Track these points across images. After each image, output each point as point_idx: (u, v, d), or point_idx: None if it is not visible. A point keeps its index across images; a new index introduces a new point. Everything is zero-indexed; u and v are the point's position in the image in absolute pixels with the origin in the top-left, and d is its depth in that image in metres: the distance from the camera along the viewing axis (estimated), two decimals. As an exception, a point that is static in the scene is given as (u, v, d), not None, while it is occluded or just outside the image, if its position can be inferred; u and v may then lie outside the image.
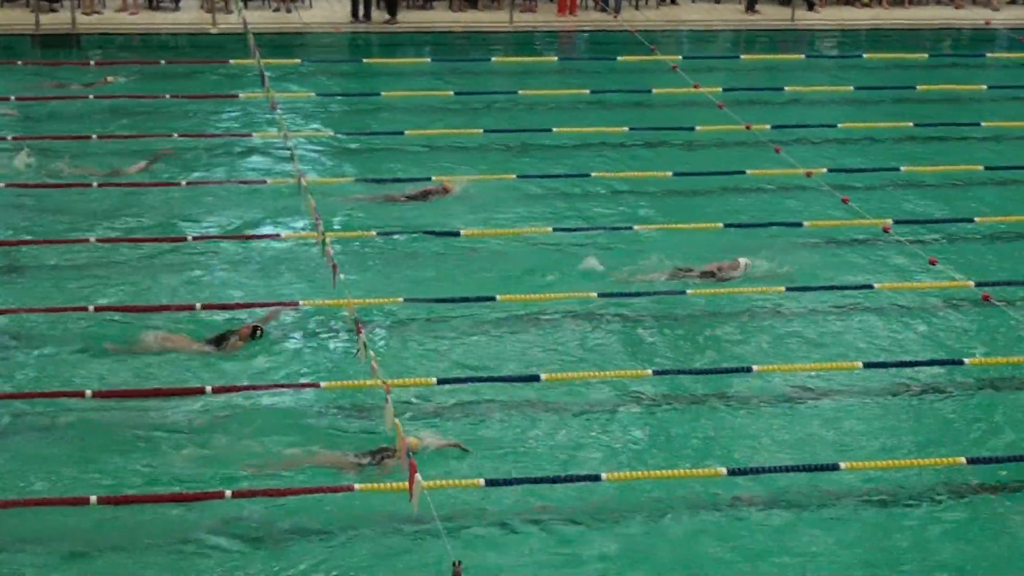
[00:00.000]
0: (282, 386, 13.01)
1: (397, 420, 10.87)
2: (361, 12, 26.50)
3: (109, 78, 22.14)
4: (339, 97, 22.32)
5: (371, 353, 11.93)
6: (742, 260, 15.87)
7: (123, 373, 13.25)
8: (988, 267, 16.02)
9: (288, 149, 18.22)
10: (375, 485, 11.19)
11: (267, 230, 16.81)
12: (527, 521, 11.25)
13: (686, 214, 17.53)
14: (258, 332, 13.85)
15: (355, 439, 12.24)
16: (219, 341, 13.74)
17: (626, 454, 12.21)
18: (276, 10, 27.10)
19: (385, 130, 20.49)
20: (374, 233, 16.57)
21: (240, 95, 21.36)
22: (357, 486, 11.15)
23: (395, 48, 25.28)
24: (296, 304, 14.46)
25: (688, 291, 15.02)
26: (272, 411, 12.65)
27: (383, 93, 22.06)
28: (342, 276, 13.54)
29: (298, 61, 23.63)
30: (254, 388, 12.89)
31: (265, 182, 17.95)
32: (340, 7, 27.06)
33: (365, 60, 24.24)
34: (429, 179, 18.26)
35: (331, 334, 14.24)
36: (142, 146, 19.22)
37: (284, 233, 16.51)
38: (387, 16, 26.53)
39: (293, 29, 26.16)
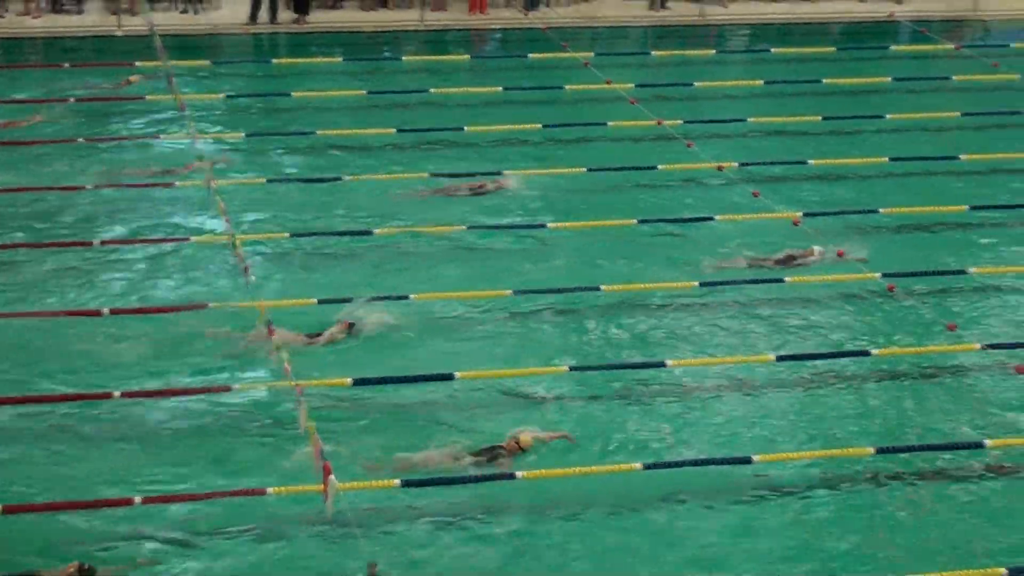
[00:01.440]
0: (193, 391, 12.84)
1: (311, 423, 10.79)
2: (266, 15, 26.16)
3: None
4: (249, 98, 22.12)
5: (284, 355, 11.83)
6: (817, 248, 16.01)
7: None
8: (893, 258, 16.19)
9: (197, 151, 18.03)
10: (289, 488, 11.09)
11: (176, 233, 16.61)
12: (444, 521, 11.22)
13: (600, 210, 17.57)
14: (354, 328, 13.97)
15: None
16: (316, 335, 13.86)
17: (544, 451, 12.19)
18: (183, 11, 26.79)
19: (296, 130, 20.33)
20: (287, 235, 16.45)
21: (147, 97, 21.08)
22: (270, 489, 11.05)
23: (305, 48, 25.10)
24: (205, 305, 14.29)
25: (602, 287, 15.04)
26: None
27: (294, 93, 21.90)
28: (253, 277, 13.42)
29: (207, 63, 23.40)
30: (161, 394, 12.72)
31: (173, 185, 17.74)
32: (249, 8, 26.78)
33: (275, 61, 24.04)
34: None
35: (243, 336, 14.08)
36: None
37: (194, 236, 16.33)
38: (295, 16, 26.33)
39: (201, 30, 25.89)
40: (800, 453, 11.96)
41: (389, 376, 13.12)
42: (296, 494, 11.09)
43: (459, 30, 26.87)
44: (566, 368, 13.34)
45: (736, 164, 18.90)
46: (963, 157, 19.32)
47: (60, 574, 10.41)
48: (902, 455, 12.04)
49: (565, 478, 11.59)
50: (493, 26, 27.19)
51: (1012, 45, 25.77)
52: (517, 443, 11.92)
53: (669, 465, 11.72)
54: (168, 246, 16.12)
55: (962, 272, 15.67)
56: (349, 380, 12.83)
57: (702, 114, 21.45)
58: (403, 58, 24.45)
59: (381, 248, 16.44)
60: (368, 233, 16.59)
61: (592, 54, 24.36)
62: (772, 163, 19.30)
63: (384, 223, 17.02)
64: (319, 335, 13.90)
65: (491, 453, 11.88)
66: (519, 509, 11.39)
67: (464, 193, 18.13)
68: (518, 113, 21.32)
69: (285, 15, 26.50)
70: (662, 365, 13.46)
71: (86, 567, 10.60)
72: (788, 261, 16.03)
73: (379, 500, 11.27)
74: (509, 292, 14.95)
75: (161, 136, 19.74)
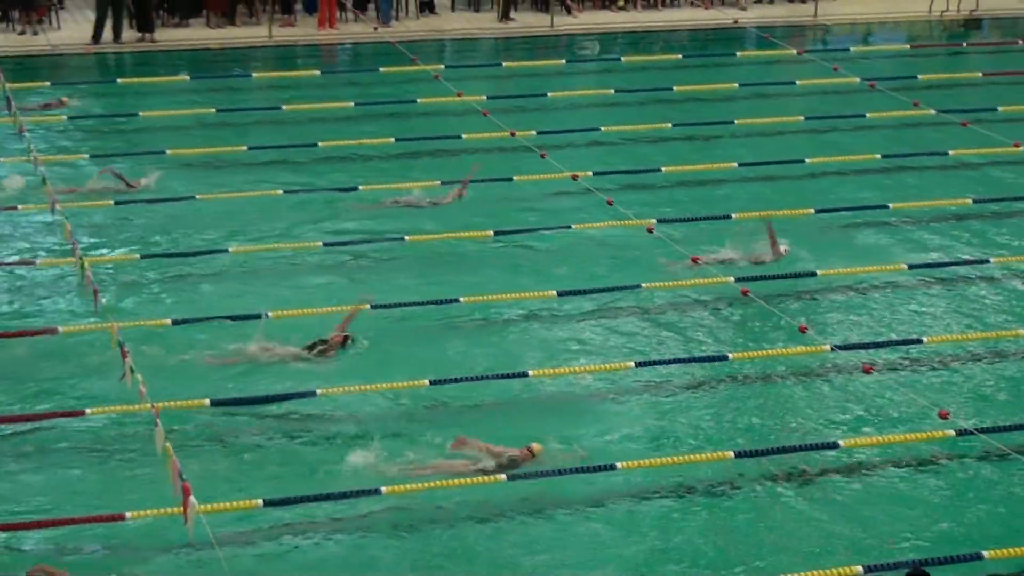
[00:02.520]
0: (46, 416, 12.49)
1: (168, 444, 10.56)
2: (109, 34, 25.62)
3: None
4: (94, 119, 21.65)
5: (138, 376, 11.56)
6: (783, 246, 16.48)
7: None
8: (747, 262, 16.45)
9: (40, 174, 17.57)
10: (148, 512, 10.84)
11: (21, 257, 16.17)
12: (311, 538, 11.07)
13: (456, 222, 17.56)
14: (348, 340, 14.06)
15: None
16: (312, 348, 13.96)
17: (404, 463, 12.10)
18: (22, 33, 26.14)
19: (144, 150, 19.94)
20: (137, 256, 16.12)
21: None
22: (129, 514, 10.80)
23: (152, 67, 24.67)
24: (55, 330, 13.92)
25: (461, 298, 14.99)
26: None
27: (141, 113, 21.50)
28: (104, 300, 13.11)
29: (47, 84, 22.85)
30: (12, 420, 12.36)
31: (16, 208, 17.27)
32: (91, 29, 26.22)
33: (120, 80, 23.56)
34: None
35: (95, 359, 13.74)
36: None
37: (40, 259, 15.91)
38: (140, 35, 25.87)
39: (41, 51, 25.28)
40: (662, 459, 12.02)
41: (248, 396, 12.93)
42: (156, 518, 10.84)
43: (308, 45, 26.67)
44: (427, 382, 13.26)
45: (590, 173, 19.04)
46: (809, 160, 19.74)
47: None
48: (760, 458, 12.16)
49: (430, 490, 11.51)
50: (343, 41, 27.05)
51: (851, 49, 26.45)
52: (531, 451, 12.04)
53: (532, 476, 11.70)
54: (14, 270, 15.68)
55: (812, 274, 15.97)
56: (207, 401, 12.61)
57: (555, 124, 21.57)
58: (253, 75, 24.16)
59: (237, 267, 16.21)
60: (223, 251, 16.36)
61: (443, 67, 24.39)
62: (625, 171, 19.48)
63: (239, 241, 16.80)
64: (313, 347, 13.93)
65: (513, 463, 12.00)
66: (385, 524, 11.30)
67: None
68: (371, 128, 21.23)
69: (129, 34, 26.02)
70: (525, 375, 13.47)
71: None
72: (754, 258, 16.41)
73: (242, 520, 11.08)
74: (367, 307, 14.83)
75: (1, 159, 19.20)
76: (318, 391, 12.86)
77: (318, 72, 24.75)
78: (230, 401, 12.79)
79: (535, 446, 12.10)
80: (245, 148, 20.00)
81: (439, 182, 18.73)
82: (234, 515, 11.05)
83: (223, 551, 10.07)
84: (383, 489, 11.34)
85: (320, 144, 20.21)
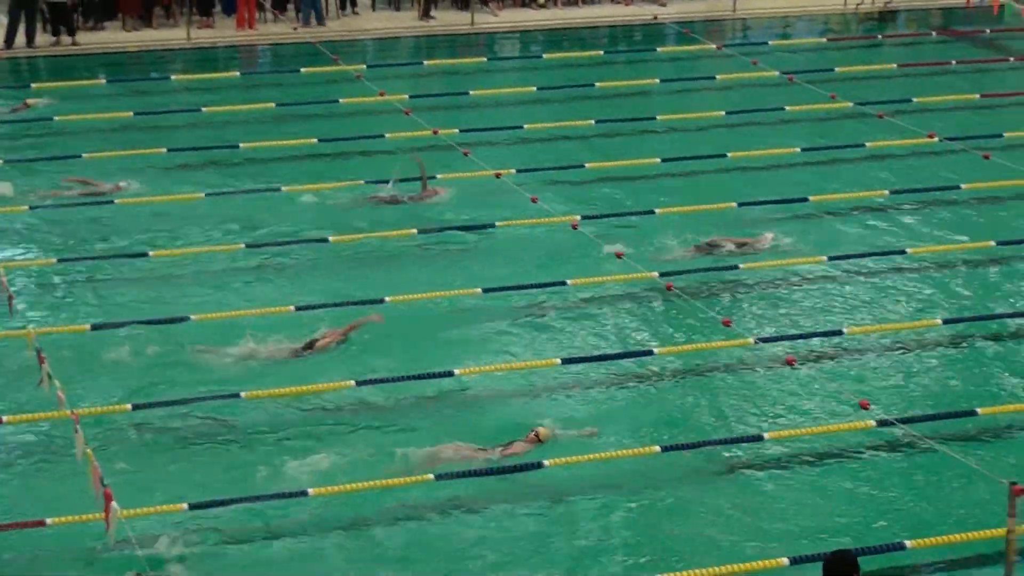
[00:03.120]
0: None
1: (89, 450, 10.41)
2: (23, 39, 25.23)
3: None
4: (9, 124, 21.32)
5: (56, 383, 11.39)
6: (768, 234, 16.84)
7: None
8: (671, 257, 16.52)
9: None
10: (69, 518, 10.69)
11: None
12: (238, 541, 10.97)
13: (381, 222, 17.50)
14: (343, 343, 14.19)
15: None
16: (310, 346, 14.05)
17: (331, 464, 12.04)
18: (-70, 38, 25.72)
19: (61, 154, 19.66)
20: (55, 260, 15.90)
21: None
22: (50, 520, 10.64)
23: (67, 71, 24.32)
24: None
25: (387, 298, 14.92)
26: None
27: (56, 118, 21.20)
28: (21, 305, 12.91)
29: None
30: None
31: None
32: (2, 33, 25.81)
33: (35, 85, 23.18)
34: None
35: (11, 365, 13.53)
36: None
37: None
38: (54, 38, 25.51)
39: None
40: (588, 455, 12.01)
41: (171, 399, 12.80)
42: (77, 523, 10.69)
43: (227, 47, 26.45)
44: (352, 383, 13.18)
45: (514, 171, 19.04)
46: (730, 155, 19.87)
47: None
48: (686, 451, 12.20)
49: (355, 493, 11.44)
50: (263, 42, 26.86)
51: (769, 43, 26.67)
52: (537, 436, 12.17)
53: (458, 476, 11.65)
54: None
55: (734, 267, 16.07)
56: (129, 406, 12.46)
57: (477, 122, 21.54)
58: (171, 77, 23.91)
59: (159, 270, 16.05)
60: (143, 255, 16.19)
61: (364, 66, 24.28)
62: (549, 168, 19.50)
63: (161, 245, 16.63)
64: (311, 346, 14.03)
65: (506, 447, 12.13)
66: (313, 528, 11.22)
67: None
68: (293, 128, 21.09)
69: (43, 38, 25.65)
70: (451, 375, 13.43)
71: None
72: (741, 247, 16.62)
73: (166, 524, 10.96)
74: (291, 308, 14.74)
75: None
76: (242, 394, 12.76)
77: (238, 73, 24.54)
78: (152, 404, 12.65)
79: (541, 431, 12.23)
80: (164, 150, 19.79)
81: (363, 181, 18.66)
82: (158, 519, 10.92)
83: (146, 555, 9.94)
84: (310, 491, 11.27)
85: (241, 146, 20.05)
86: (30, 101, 22.00)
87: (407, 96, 22.46)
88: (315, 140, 20.42)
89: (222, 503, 11.10)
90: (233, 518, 11.18)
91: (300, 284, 15.83)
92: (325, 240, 16.74)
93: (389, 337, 14.48)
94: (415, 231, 17.07)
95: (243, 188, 18.69)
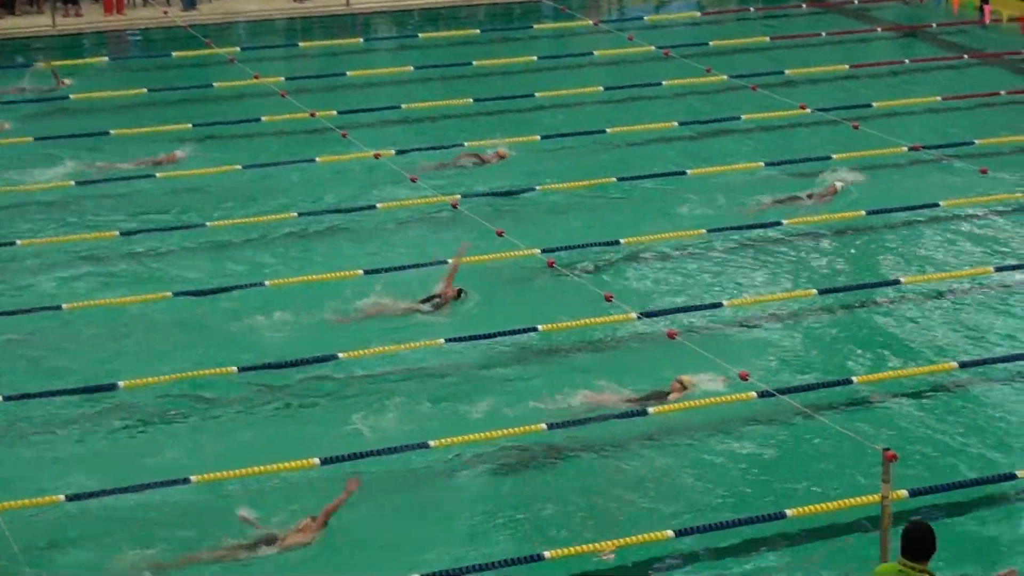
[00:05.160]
0: None
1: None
2: None
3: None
4: None
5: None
6: (838, 183, 17.54)
7: None
8: (551, 234, 16.54)
9: None
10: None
11: None
12: (111, 533, 10.83)
13: (259, 206, 17.35)
14: (463, 294, 14.71)
15: None
16: (429, 300, 14.62)
17: (208, 452, 11.94)
18: None
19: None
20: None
21: None
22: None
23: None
24: None
25: (266, 282, 14.77)
26: None
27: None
28: None
29: None
30: None
31: None
32: None
33: None
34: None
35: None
36: None
37: None
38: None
39: None
40: (473, 435, 12.01)
41: (44, 390, 12.62)
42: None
43: (96, 33, 25.98)
44: (235, 369, 13.04)
45: (392, 151, 18.95)
46: (609, 130, 19.97)
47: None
48: (571, 428, 12.27)
49: (241, 478, 11.35)
50: (132, 27, 26.36)
51: (645, 18, 26.84)
52: (681, 383, 12.74)
53: (344, 458, 11.58)
54: None
55: (615, 243, 16.16)
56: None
57: (355, 103, 21.41)
58: (38, 64, 23.36)
59: (29, 258, 15.75)
60: (11, 244, 15.92)
61: (238, 49, 23.99)
62: (428, 148, 19.42)
63: (30, 234, 16.37)
64: (429, 300, 14.58)
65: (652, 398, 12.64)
66: (191, 520, 11.10)
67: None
68: (166, 113, 20.79)
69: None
70: (335, 358, 13.34)
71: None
72: (812, 198, 17.42)
73: (44, 517, 10.79)
74: (169, 294, 14.58)
75: None
76: (120, 383, 12.61)
77: (107, 59, 24.06)
78: (23, 396, 12.47)
79: (685, 378, 12.69)
80: (31, 139, 19.39)
81: (240, 166, 18.47)
82: (31, 511, 10.77)
83: (21, 549, 9.77)
84: (192, 478, 11.15)
85: (112, 132, 19.70)
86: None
87: (283, 78, 22.24)
88: (190, 125, 20.13)
89: (98, 494, 10.91)
90: (109, 507, 11.01)
91: (173, 271, 15.70)
92: (203, 224, 16.58)
93: (268, 323, 14.34)
94: (296, 215, 16.94)
95: (115, 176, 18.36)
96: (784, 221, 16.77)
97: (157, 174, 18.31)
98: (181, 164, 18.75)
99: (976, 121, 20.58)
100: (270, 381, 13.14)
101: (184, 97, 21.74)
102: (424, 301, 14.61)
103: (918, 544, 8.18)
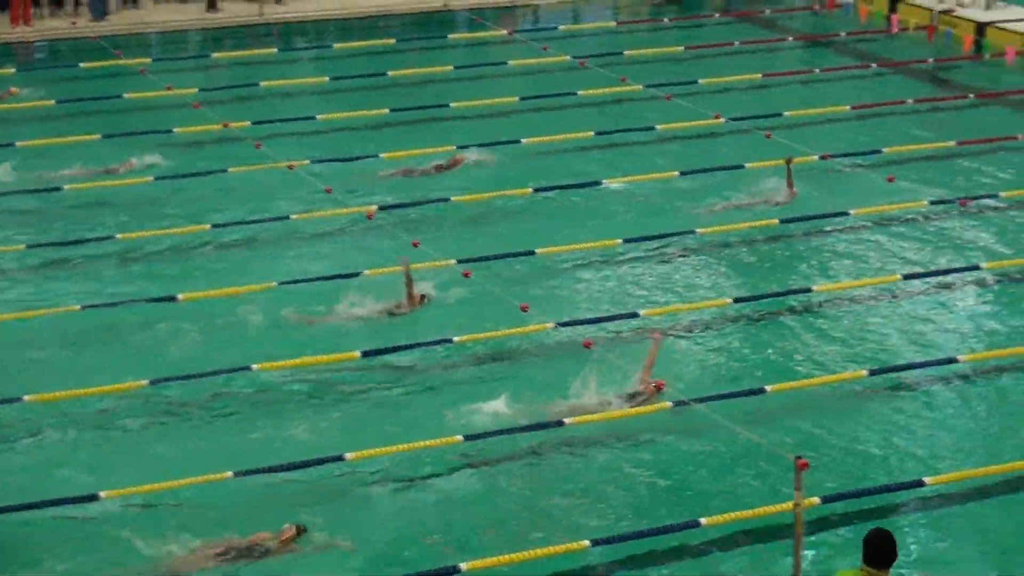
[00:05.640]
0: None
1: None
2: None
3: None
4: None
5: None
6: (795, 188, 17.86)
7: None
8: (467, 245, 16.51)
9: None
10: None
11: None
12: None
13: (171, 218, 17.19)
14: (425, 299, 14.85)
15: None
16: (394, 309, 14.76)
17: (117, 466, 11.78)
18: None
19: None
20: None
21: None
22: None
23: None
24: None
25: (180, 295, 14.62)
26: None
27: None
28: None
29: None
30: None
31: None
32: None
33: None
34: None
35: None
36: None
37: None
38: None
39: None
40: (389, 448, 11.97)
41: None
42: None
43: (1, 44, 25.48)
44: (145, 383, 12.90)
45: (307, 162, 18.84)
46: (524, 140, 19.99)
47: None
48: (488, 439, 12.25)
49: (157, 492, 11.22)
50: (39, 38, 25.97)
51: (560, 28, 26.93)
52: (657, 387, 12.79)
53: (258, 471, 11.49)
54: None
55: (530, 253, 16.17)
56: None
57: (269, 114, 21.27)
58: (-57, 75, 23.00)
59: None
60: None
61: (149, 60, 23.74)
62: (343, 159, 19.32)
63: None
64: (399, 304, 14.71)
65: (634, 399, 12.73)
66: (112, 533, 10.95)
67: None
68: (75, 125, 20.49)
69: None
70: (248, 369, 13.22)
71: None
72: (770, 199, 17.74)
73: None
74: (77, 307, 14.40)
75: None
76: (25, 397, 12.48)
77: (13, 71, 23.66)
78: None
79: (659, 382, 12.77)
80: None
81: (152, 178, 18.28)
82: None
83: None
84: (101, 494, 11.02)
85: (18, 144, 19.39)
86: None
87: (196, 89, 22.03)
88: (99, 136, 19.88)
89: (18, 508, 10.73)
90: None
91: (83, 283, 15.53)
92: (113, 236, 16.46)
93: (185, 336, 14.24)
94: (208, 226, 16.81)
95: (25, 187, 18.09)
96: (698, 230, 16.88)
97: (65, 186, 18.06)
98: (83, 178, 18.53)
99: (884, 129, 20.87)
100: (182, 394, 13.00)
101: (94, 108, 21.46)
102: (390, 311, 14.71)
103: (878, 551, 8.31)
